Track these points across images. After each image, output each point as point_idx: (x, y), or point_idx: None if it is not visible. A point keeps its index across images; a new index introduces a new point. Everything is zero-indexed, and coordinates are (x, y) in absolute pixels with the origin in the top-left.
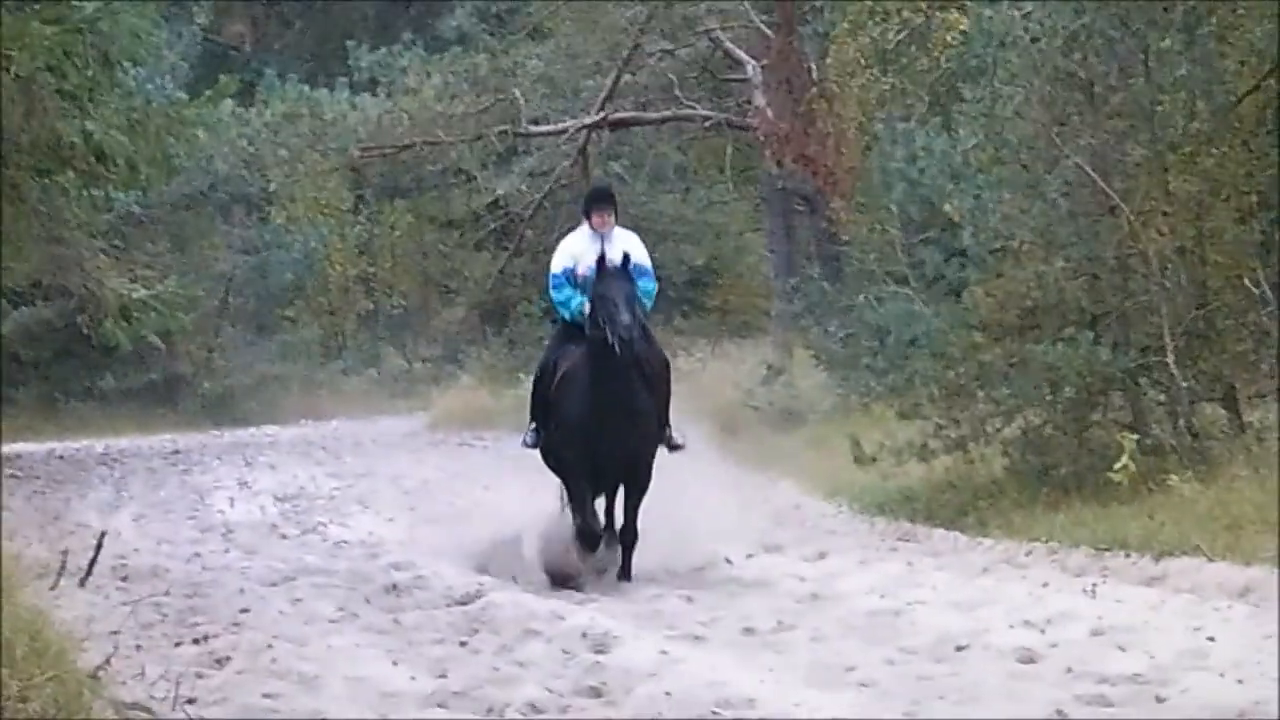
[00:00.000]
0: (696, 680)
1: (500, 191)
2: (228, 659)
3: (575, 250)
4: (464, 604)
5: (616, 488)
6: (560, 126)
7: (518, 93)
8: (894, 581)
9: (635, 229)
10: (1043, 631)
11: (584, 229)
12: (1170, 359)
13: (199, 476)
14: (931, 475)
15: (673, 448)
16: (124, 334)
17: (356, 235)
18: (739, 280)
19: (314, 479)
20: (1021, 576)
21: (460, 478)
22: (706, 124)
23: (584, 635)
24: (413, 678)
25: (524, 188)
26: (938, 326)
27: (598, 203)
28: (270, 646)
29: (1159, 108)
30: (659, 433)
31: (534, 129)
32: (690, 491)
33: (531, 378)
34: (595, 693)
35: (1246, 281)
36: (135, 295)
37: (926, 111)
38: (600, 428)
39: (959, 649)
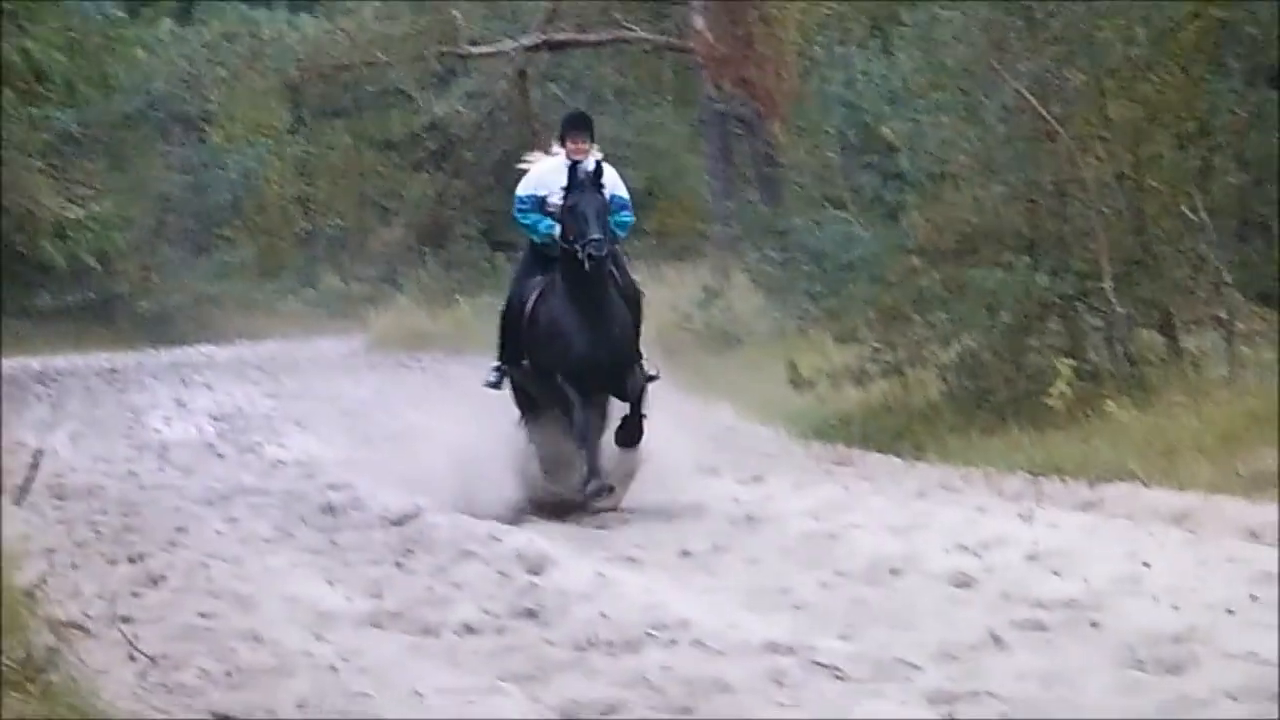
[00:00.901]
0: (632, 602)
1: (439, 113)
2: (163, 578)
3: (546, 177)
4: (400, 525)
5: (605, 396)
6: (499, 48)
7: (457, 14)
8: (829, 505)
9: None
10: (978, 556)
11: (557, 156)
12: (1108, 285)
13: (135, 395)
14: (868, 399)
15: (646, 379)
16: (60, 253)
17: (294, 155)
18: (677, 203)
19: (250, 399)
20: (957, 501)
21: (397, 398)
22: (645, 47)
23: (520, 557)
24: (348, 598)
25: (462, 109)
26: (875, 250)
27: (574, 129)
28: (206, 566)
29: (1098, 33)
30: (636, 333)
31: (473, 50)
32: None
33: (499, 309)
34: (530, 614)
35: (1184, 208)
36: (71, 214)
37: (865, 35)
38: (578, 336)
39: (894, 573)
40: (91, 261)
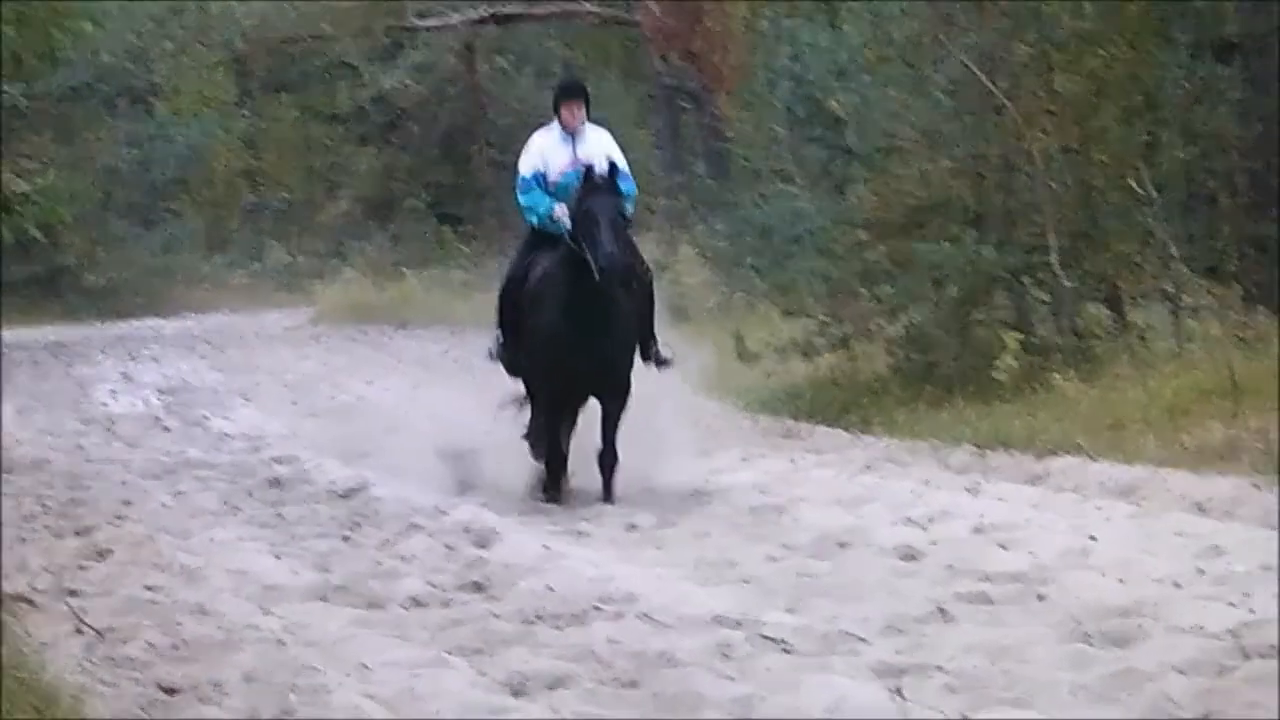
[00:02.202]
0: (578, 575)
1: (386, 86)
2: (110, 551)
3: (545, 151)
4: (346, 498)
5: (586, 400)
6: (446, 21)
7: None
8: (777, 479)
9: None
10: (924, 529)
11: (552, 127)
12: (1054, 258)
13: (82, 369)
14: (815, 373)
15: (660, 363)
16: (6, 227)
17: (241, 129)
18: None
19: (197, 372)
20: (904, 474)
21: (343, 371)
22: (593, 20)
23: (466, 530)
24: (295, 571)
25: (409, 82)
26: (822, 224)
27: (568, 96)
28: (152, 539)
29: (1045, 7)
30: (634, 343)
31: (420, 24)
32: None
33: (499, 286)
34: (477, 587)
35: (1131, 182)
36: (18, 188)
37: (812, 9)
38: (574, 336)
39: (841, 546)
40: (38, 235)
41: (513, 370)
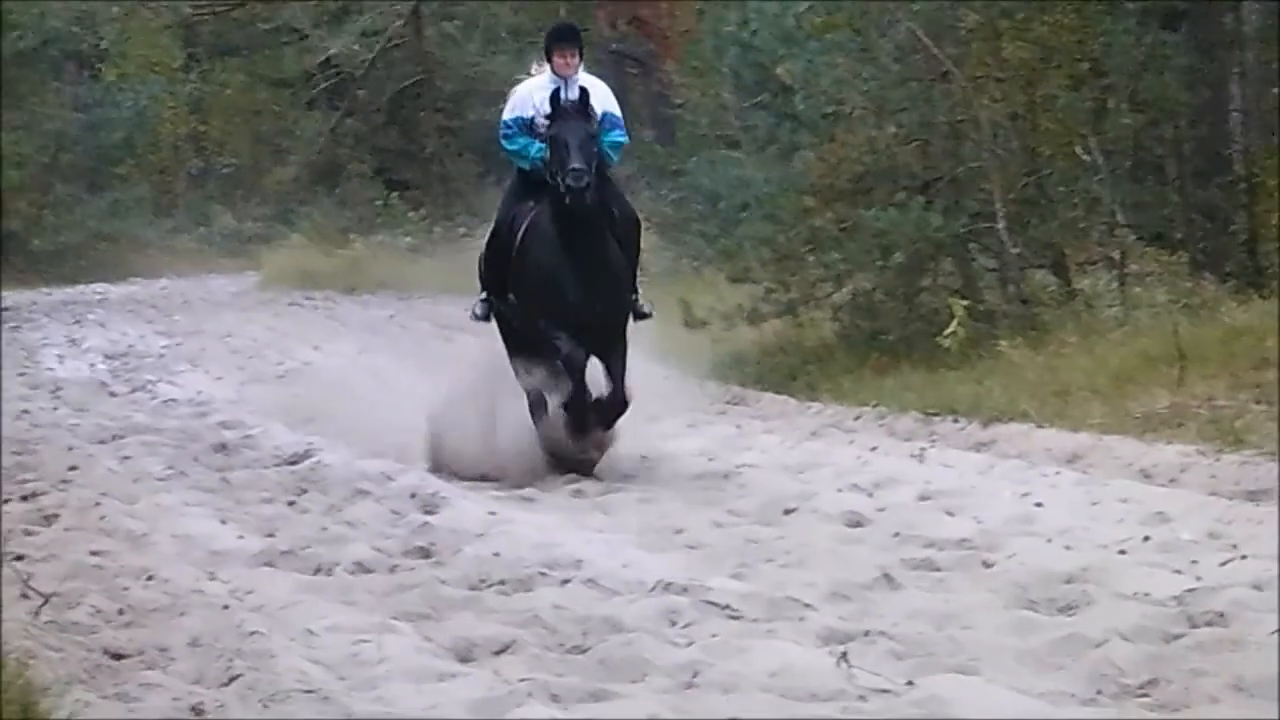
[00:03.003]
0: (524, 541)
1: (333, 50)
2: (56, 516)
3: (532, 97)
4: (293, 463)
5: (588, 354)
6: None
7: None
8: (723, 445)
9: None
10: (870, 495)
11: (543, 74)
12: (1001, 225)
13: (28, 333)
14: (761, 339)
15: (640, 316)
16: None
17: (188, 93)
18: None
19: (143, 337)
20: (850, 441)
21: (290, 337)
22: None
23: (413, 496)
24: (241, 536)
25: (356, 47)
26: (769, 191)
27: (560, 42)
28: (99, 504)
29: None
30: (629, 290)
31: None
32: None
33: (484, 238)
34: (423, 553)
35: (1078, 149)
36: None
37: None
38: (569, 286)
39: (787, 512)
40: None
41: (502, 328)
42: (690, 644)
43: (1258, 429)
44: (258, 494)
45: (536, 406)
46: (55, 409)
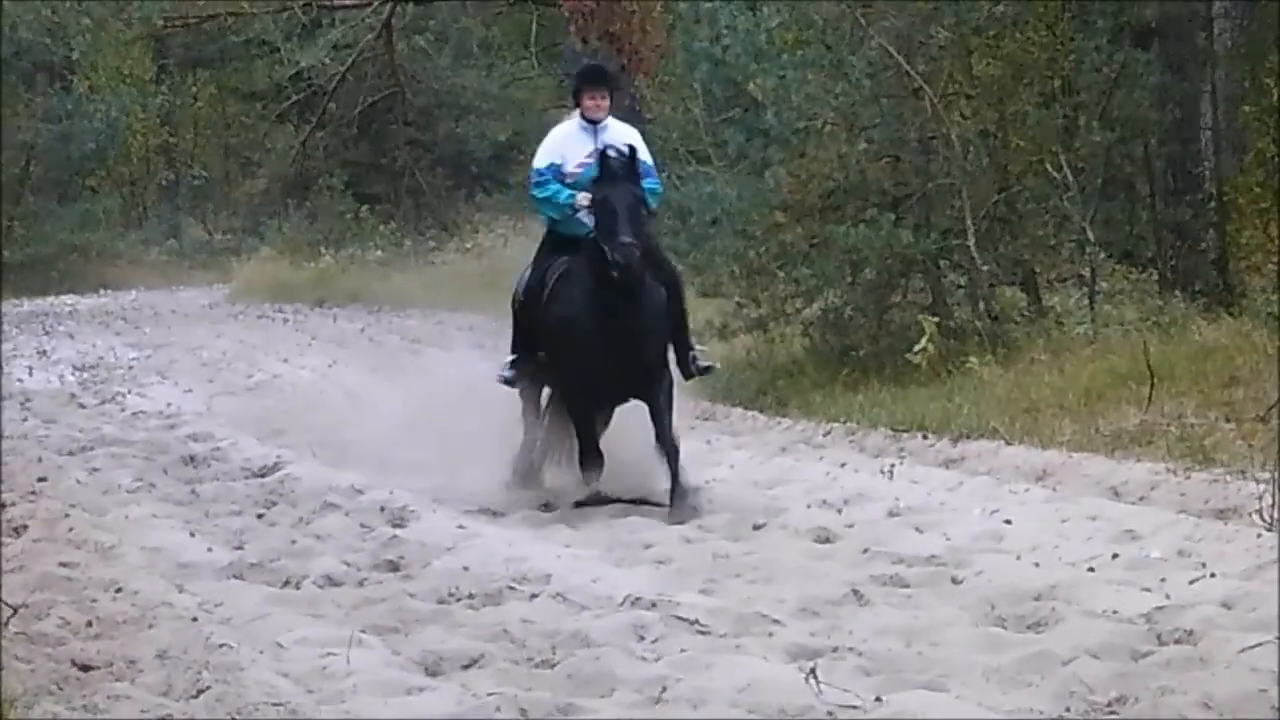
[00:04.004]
0: (493, 555)
1: (304, 64)
2: (25, 527)
3: (563, 145)
4: (262, 476)
5: (617, 402)
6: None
7: None
8: (692, 460)
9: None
10: (840, 511)
11: (573, 119)
12: (971, 242)
13: None
14: (731, 354)
15: (702, 371)
16: None
17: (159, 105)
18: None
19: (113, 349)
20: (819, 456)
21: (260, 349)
22: (511, 0)
23: (382, 509)
24: (210, 549)
25: (327, 60)
26: (740, 206)
27: (591, 83)
28: (68, 515)
29: None
30: (665, 333)
31: (338, 1)
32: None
33: (512, 298)
34: (392, 566)
35: (1048, 166)
36: None
37: None
38: (599, 330)
39: (756, 528)
40: None
41: (522, 390)
42: (659, 659)
43: (1227, 447)
44: (226, 506)
45: (519, 467)
46: (24, 420)
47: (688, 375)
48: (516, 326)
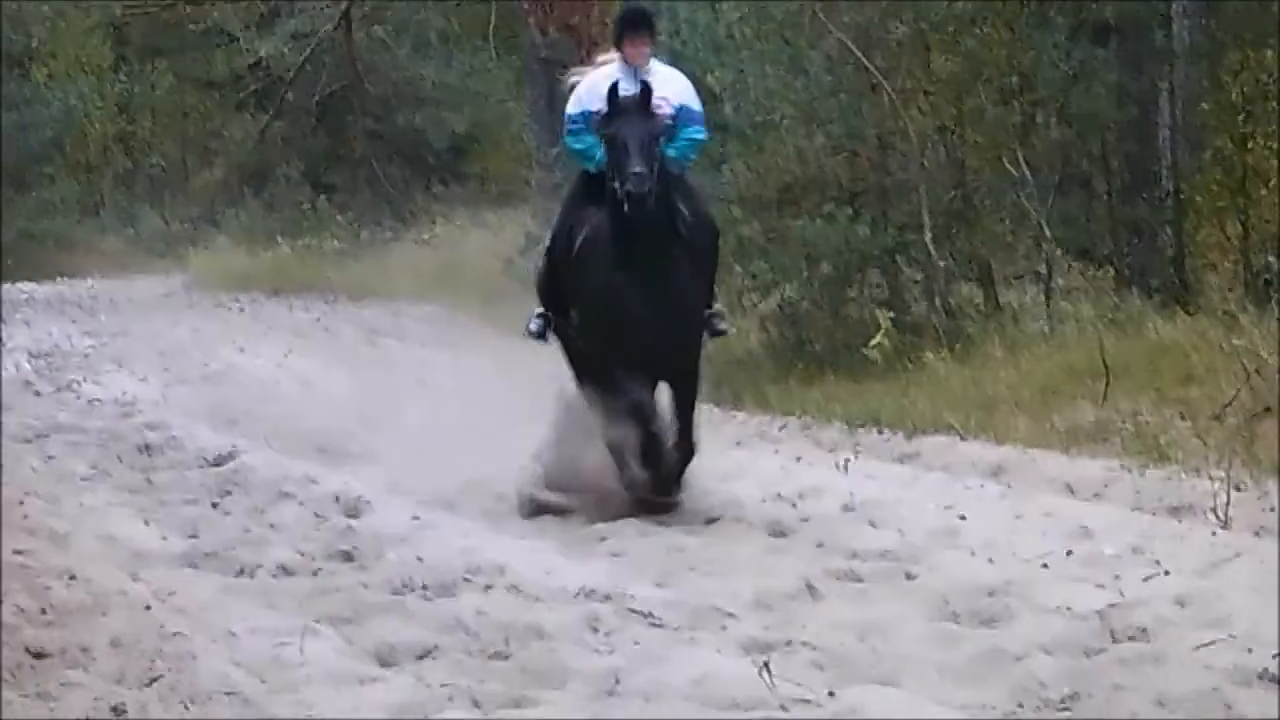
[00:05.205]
0: (448, 546)
1: (262, 53)
2: None
3: (600, 89)
4: (217, 465)
5: (654, 384)
6: None
7: None
8: None
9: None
10: (794, 506)
11: (613, 63)
12: (928, 237)
13: None
14: None
15: (715, 332)
16: None
17: (117, 94)
18: (500, 148)
19: (69, 337)
20: (774, 450)
21: (216, 339)
22: None
23: (337, 499)
24: (164, 537)
25: (286, 50)
26: None
27: (632, 29)
28: (22, 503)
29: None
30: (701, 308)
31: None
32: (452, 358)
33: (541, 248)
34: (347, 557)
35: (1005, 162)
36: None
37: None
38: (631, 307)
39: (710, 521)
40: None
41: (568, 350)
42: (612, 651)
43: (1182, 445)
44: (181, 495)
45: (614, 446)
46: None
47: (706, 330)
48: (545, 277)
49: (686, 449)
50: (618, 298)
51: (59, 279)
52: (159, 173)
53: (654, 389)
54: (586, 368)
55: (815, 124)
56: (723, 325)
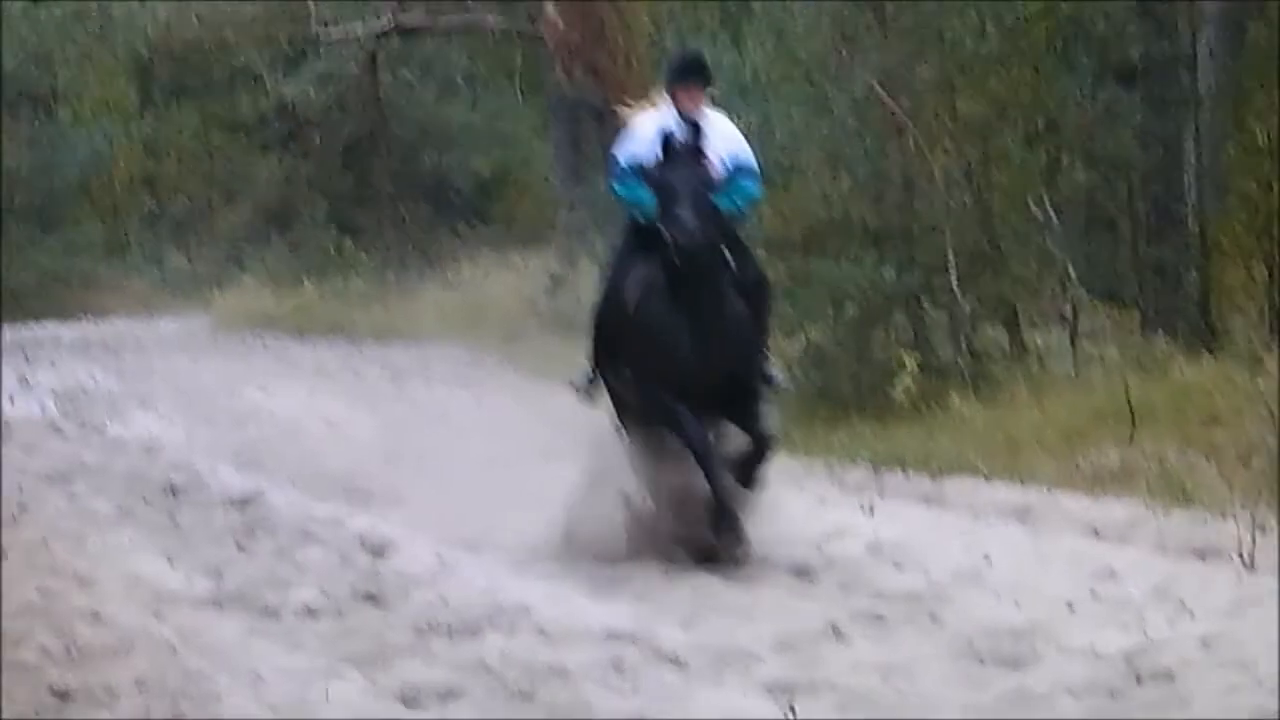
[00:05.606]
0: (472, 587)
1: (288, 95)
2: (4, 555)
3: (649, 135)
4: (241, 505)
5: (716, 420)
6: (350, 31)
7: None
8: None
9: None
10: (819, 547)
11: (664, 109)
12: (953, 279)
13: None
14: None
15: (768, 382)
16: None
17: (142, 135)
18: (525, 190)
19: (94, 377)
20: (799, 492)
21: (241, 379)
22: (496, 33)
23: (361, 540)
24: (188, 578)
25: (312, 91)
26: None
27: (686, 76)
28: (47, 543)
29: (948, 28)
30: (758, 347)
31: (323, 33)
32: (476, 399)
33: (594, 303)
34: (371, 598)
35: (1031, 204)
36: None
37: (716, 26)
38: (688, 347)
39: (735, 562)
40: None
41: (619, 408)
42: (636, 693)
43: (1207, 487)
44: (206, 536)
45: (660, 494)
46: (4, 448)
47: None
48: (596, 335)
49: (761, 457)
50: (674, 339)
51: (84, 319)
52: (184, 214)
53: (716, 428)
54: (637, 424)
55: (840, 166)
56: (777, 376)
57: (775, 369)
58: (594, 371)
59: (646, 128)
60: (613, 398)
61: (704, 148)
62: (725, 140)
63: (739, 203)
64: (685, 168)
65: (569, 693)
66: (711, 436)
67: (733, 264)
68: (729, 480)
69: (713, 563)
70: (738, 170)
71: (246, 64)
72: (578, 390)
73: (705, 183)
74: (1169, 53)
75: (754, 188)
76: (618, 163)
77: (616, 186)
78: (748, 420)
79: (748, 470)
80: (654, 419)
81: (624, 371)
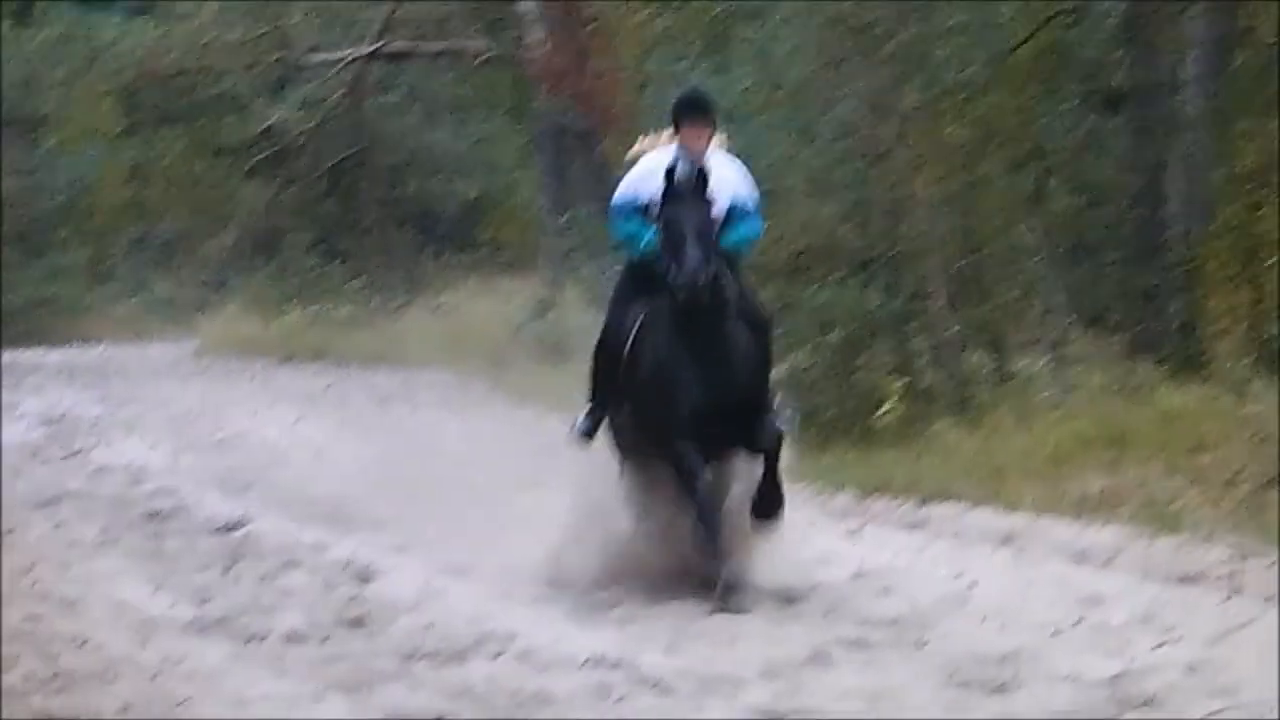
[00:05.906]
0: (458, 613)
1: (273, 120)
2: None
3: (652, 177)
4: (227, 532)
5: (727, 450)
6: (334, 56)
7: (295, 18)
8: None
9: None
10: (804, 573)
11: (668, 147)
12: (938, 305)
13: None
14: None
15: (775, 437)
16: None
17: (128, 160)
18: (510, 216)
19: (79, 403)
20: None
21: (226, 405)
22: (481, 58)
23: (346, 566)
24: (173, 604)
25: (297, 117)
26: None
27: (691, 113)
28: (32, 569)
29: (934, 54)
30: (764, 377)
31: (308, 58)
32: (461, 424)
33: (594, 343)
34: (356, 623)
35: (1017, 230)
36: None
37: (701, 51)
38: (697, 382)
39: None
40: None
41: (619, 442)
42: (621, 719)
43: (1193, 513)
44: (191, 562)
45: (655, 532)
46: None
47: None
48: (595, 374)
49: (776, 484)
50: (675, 368)
51: (70, 345)
52: (169, 239)
53: (720, 466)
54: (634, 459)
55: (825, 191)
56: (783, 423)
57: (784, 419)
58: (595, 412)
59: (648, 168)
60: (612, 431)
61: (707, 186)
62: (729, 179)
63: (740, 244)
64: (688, 207)
65: (554, 718)
66: (710, 476)
67: (734, 302)
68: (718, 520)
69: (707, 591)
70: (740, 209)
71: (232, 89)
72: (579, 434)
73: (707, 220)
74: (1154, 78)
75: (756, 226)
76: (616, 203)
77: (615, 225)
78: (757, 443)
79: (767, 493)
80: (652, 453)
81: (624, 406)
